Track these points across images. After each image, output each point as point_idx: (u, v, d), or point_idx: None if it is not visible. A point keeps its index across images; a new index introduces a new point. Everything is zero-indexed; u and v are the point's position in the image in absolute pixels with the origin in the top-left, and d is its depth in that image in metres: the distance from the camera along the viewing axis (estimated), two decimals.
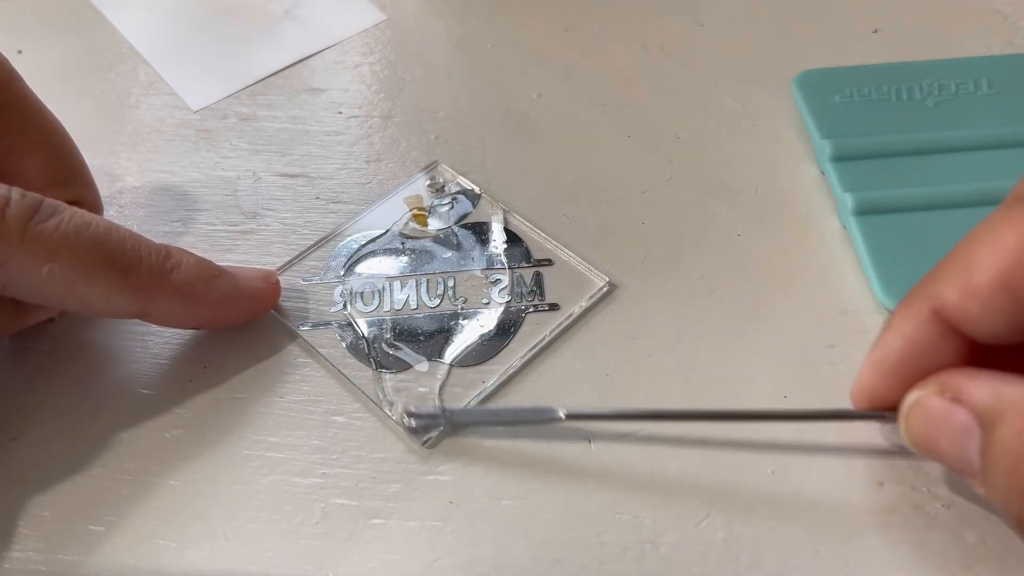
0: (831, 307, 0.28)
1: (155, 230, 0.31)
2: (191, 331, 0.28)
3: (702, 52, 0.36)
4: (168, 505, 0.25)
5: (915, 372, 0.22)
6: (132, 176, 0.33)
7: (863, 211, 0.29)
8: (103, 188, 0.30)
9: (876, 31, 0.37)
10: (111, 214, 0.32)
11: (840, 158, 0.30)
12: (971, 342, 0.21)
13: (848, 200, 0.29)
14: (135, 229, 0.27)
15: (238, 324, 0.28)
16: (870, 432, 0.25)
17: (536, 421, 0.25)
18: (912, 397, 0.22)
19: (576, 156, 0.33)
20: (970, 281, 0.20)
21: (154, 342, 0.28)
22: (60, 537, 0.24)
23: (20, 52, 0.37)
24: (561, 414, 0.25)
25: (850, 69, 0.33)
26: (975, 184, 0.29)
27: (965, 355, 0.21)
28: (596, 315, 0.28)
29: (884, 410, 0.23)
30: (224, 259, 0.30)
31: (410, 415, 0.25)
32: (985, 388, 0.20)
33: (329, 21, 0.39)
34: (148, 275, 0.24)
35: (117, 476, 0.25)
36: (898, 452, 0.24)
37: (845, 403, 0.25)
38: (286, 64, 0.37)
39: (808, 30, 0.37)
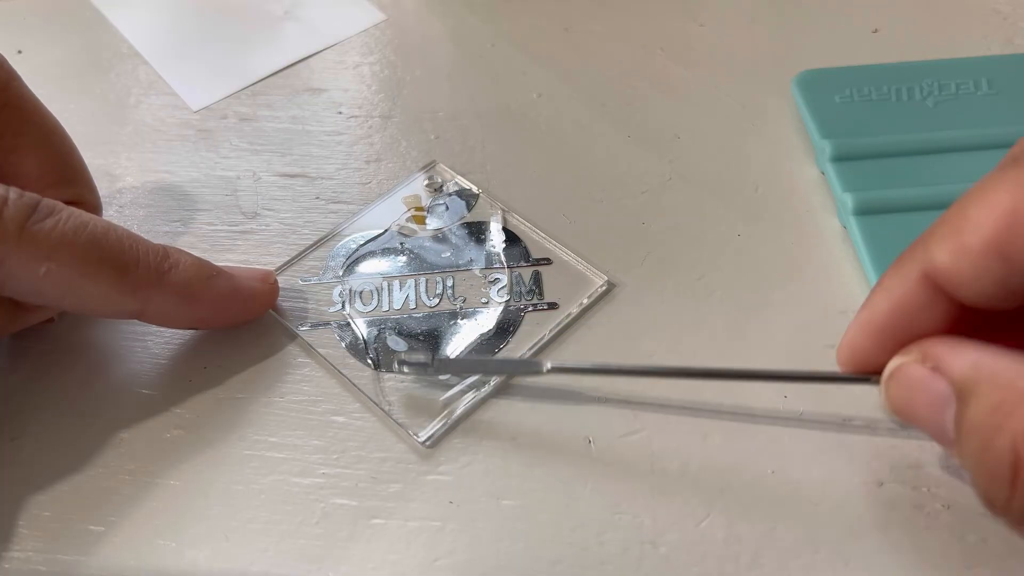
0: (831, 307, 0.28)
1: (155, 230, 0.31)
2: (191, 331, 0.28)
3: (702, 52, 0.36)
4: (168, 505, 0.25)
5: (902, 335, 0.21)
6: (132, 176, 0.33)
7: (863, 211, 0.29)
8: (103, 188, 0.30)
9: (876, 31, 0.37)
10: (111, 214, 0.32)
11: (840, 158, 0.30)
12: (960, 308, 0.21)
13: (848, 200, 0.29)
14: (135, 229, 0.27)
15: (236, 324, 0.28)
16: (870, 432, 0.25)
17: (520, 373, 0.26)
18: (894, 363, 0.21)
19: (576, 156, 0.33)
20: (961, 242, 0.19)
21: (154, 342, 0.28)
22: (60, 537, 0.24)
23: (20, 52, 0.37)
24: (545, 367, 0.25)
25: (850, 69, 0.33)
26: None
27: (953, 321, 0.21)
28: (595, 314, 0.28)
29: (869, 373, 0.23)
30: (224, 259, 0.30)
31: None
32: (965, 359, 0.19)
33: (329, 21, 0.39)
34: (146, 275, 0.24)
35: (117, 476, 0.25)
36: (898, 452, 0.24)
37: (845, 402, 0.26)
38: (286, 64, 0.37)
39: (808, 30, 0.37)
